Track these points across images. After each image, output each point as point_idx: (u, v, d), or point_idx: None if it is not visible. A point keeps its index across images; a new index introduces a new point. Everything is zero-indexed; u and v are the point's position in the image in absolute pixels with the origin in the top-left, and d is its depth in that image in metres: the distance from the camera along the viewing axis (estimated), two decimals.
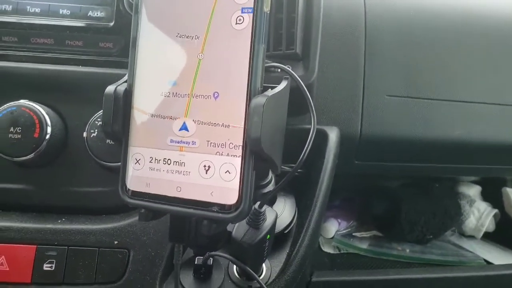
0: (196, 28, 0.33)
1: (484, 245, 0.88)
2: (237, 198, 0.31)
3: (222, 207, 0.32)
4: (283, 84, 0.35)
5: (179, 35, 0.33)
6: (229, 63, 0.32)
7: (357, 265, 0.76)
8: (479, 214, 0.89)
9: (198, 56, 0.33)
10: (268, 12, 0.32)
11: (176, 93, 0.33)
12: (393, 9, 0.68)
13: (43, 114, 0.49)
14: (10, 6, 0.52)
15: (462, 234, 0.91)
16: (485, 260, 0.81)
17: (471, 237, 0.91)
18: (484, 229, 0.88)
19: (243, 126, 0.31)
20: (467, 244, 0.87)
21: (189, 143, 0.33)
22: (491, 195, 0.95)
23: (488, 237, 0.91)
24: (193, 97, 0.33)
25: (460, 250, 0.84)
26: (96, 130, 0.50)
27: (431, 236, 0.84)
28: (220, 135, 0.32)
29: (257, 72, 0.31)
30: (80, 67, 0.52)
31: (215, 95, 0.32)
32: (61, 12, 0.52)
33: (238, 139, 0.31)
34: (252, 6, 0.31)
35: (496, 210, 0.91)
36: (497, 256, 0.83)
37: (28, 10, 0.52)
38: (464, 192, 0.93)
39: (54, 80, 0.52)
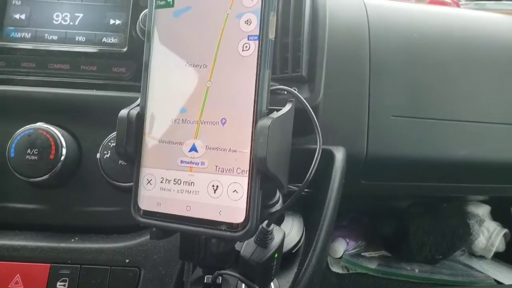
0: (204, 57, 0.34)
1: (494, 265, 0.87)
2: (244, 217, 0.32)
3: (230, 226, 0.32)
4: (288, 107, 0.36)
5: (188, 63, 0.35)
6: (236, 89, 0.33)
7: (366, 285, 0.76)
8: (489, 234, 0.89)
9: (206, 84, 0.34)
10: (273, 39, 0.33)
11: (186, 119, 0.34)
12: (396, 32, 0.68)
13: (58, 136, 0.50)
14: (29, 34, 0.54)
15: (472, 254, 0.91)
16: (496, 280, 0.80)
17: (481, 257, 0.90)
18: (494, 249, 0.88)
19: (249, 151, 0.32)
20: (477, 264, 0.86)
21: (198, 164, 0.34)
22: (501, 215, 0.94)
23: (498, 257, 0.91)
24: (201, 124, 0.34)
25: (470, 270, 0.84)
26: (109, 152, 0.51)
27: (440, 256, 0.84)
28: (228, 159, 0.33)
29: (263, 96, 0.32)
30: (94, 91, 0.54)
31: (223, 121, 0.33)
32: (77, 39, 0.54)
33: (244, 163, 0.32)
34: (258, 33, 0.33)
35: (506, 230, 0.90)
36: (507, 276, 0.82)
37: (46, 37, 0.54)
38: (473, 212, 0.93)
39: (69, 103, 0.53)
